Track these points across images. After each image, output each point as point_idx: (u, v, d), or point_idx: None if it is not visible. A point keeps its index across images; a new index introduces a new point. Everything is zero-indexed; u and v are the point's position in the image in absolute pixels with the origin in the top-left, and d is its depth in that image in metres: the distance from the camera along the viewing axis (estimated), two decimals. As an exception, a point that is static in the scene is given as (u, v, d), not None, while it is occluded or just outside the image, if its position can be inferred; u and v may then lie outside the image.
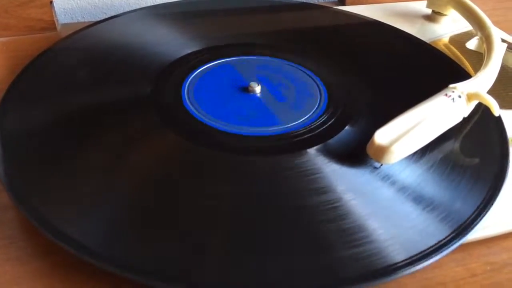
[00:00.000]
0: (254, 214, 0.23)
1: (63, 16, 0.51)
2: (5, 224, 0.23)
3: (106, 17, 0.40)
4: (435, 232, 0.23)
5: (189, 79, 0.31)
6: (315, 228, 0.22)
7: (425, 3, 0.44)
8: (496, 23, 0.43)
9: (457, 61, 0.37)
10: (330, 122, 0.28)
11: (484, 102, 0.26)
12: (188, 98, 0.29)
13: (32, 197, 0.23)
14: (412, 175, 0.25)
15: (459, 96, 0.26)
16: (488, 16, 0.44)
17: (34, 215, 0.22)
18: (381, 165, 0.24)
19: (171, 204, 0.23)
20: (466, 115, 0.27)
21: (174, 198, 0.23)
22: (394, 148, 0.23)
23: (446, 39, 0.40)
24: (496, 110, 0.26)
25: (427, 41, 0.39)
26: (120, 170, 0.25)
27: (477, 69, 0.31)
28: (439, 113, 0.25)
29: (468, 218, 0.24)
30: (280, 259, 0.21)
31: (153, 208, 0.23)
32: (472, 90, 0.26)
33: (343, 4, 0.46)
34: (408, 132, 0.24)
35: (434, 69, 0.35)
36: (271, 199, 0.24)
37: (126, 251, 0.21)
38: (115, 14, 0.40)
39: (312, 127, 0.28)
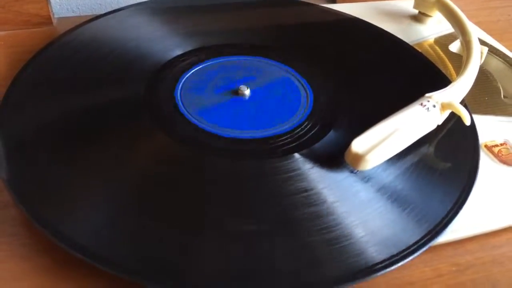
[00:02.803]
0: (242, 216, 0.25)
1: (58, 6, 0.51)
2: (8, 222, 0.25)
3: (101, 7, 0.40)
4: (411, 233, 0.25)
5: (183, 79, 0.33)
6: (299, 229, 0.24)
7: (413, 1, 0.45)
8: (479, 24, 0.45)
9: (440, 62, 0.39)
10: (316, 126, 0.30)
11: (456, 112, 0.28)
12: (181, 99, 0.31)
13: (32, 196, 0.24)
14: (391, 179, 0.27)
15: (434, 106, 0.28)
16: (473, 16, 0.45)
17: (34, 214, 0.23)
18: (358, 171, 0.26)
19: (164, 205, 0.25)
20: (440, 123, 0.29)
21: (166, 199, 0.25)
22: (369, 157, 0.25)
23: (431, 40, 0.42)
24: (467, 120, 0.27)
25: (414, 42, 0.41)
26: (115, 171, 0.26)
27: (458, 71, 0.33)
28: (413, 123, 0.27)
29: (441, 221, 0.25)
30: (264, 258, 0.23)
31: (147, 208, 0.25)
32: (446, 100, 0.28)
33: (334, 1, 0.48)
34: (383, 141, 0.25)
35: (416, 73, 0.36)
36: (258, 201, 0.25)
37: (122, 251, 0.22)
38: (109, 4, 0.41)
39: (298, 131, 0.29)
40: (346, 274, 0.23)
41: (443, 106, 0.28)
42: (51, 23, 0.41)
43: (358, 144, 0.25)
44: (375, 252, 0.24)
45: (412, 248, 0.24)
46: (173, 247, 0.23)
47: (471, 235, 0.26)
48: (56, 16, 0.42)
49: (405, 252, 0.24)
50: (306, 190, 0.26)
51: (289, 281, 0.22)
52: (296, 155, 0.27)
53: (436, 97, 0.28)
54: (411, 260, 0.24)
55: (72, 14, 0.53)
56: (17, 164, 0.26)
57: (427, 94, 0.28)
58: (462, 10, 0.45)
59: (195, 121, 0.29)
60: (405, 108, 0.27)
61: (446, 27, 0.42)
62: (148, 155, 0.27)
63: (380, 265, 0.23)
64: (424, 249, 0.24)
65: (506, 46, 0.41)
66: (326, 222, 0.24)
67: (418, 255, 0.24)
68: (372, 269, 0.23)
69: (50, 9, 0.41)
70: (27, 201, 0.24)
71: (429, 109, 0.27)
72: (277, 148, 0.28)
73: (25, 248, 0.24)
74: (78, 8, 0.52)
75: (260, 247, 0.23)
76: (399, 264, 0.23)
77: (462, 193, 0.27)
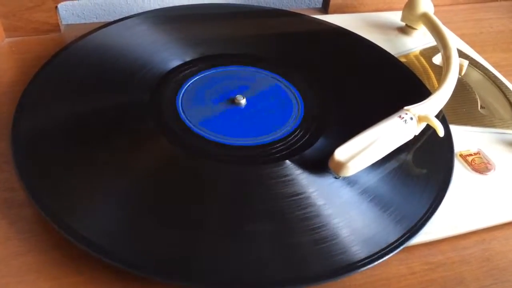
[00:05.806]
0: (237, 216, 0.27)
1: (64, 12, 0.54)
2: (25, 220, 0.27)
3: (104, 13, 0.42)
4: (390, 233, 0.27)
5: (183, 89, 0.35)
6: (289, 229, 0.27)
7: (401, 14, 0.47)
8: (463, 36, 0.47)
9: (424, 73, 0.41)
10: (306, 134, 0.33)
11: (431, 125, 0.30)
12: (182, 107, 0.33)
13: (46, 195, 0.27)
14: (373, 183, 0.30)
15: (411, 118, 0.30)
16: (458, 28, 0.48)
17: (48, 213, 0.26)
18: (340, 176, 0.29)
19: (166, 206, 0.27)
20: (417, 133, 0.31)
21: (167, 200, 0.28)
22: (350, 165, 0.28)
23: (417, 52, 0.44)
24: (441, 132, 0.30)
25: (400, 54, 0.43)
26: (123, 172, 0.29)
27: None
28: (392, 133, 0.29)
29: (417, 223, 0.28)
30: (258, 254, 0.26)
31: (150, 209, 0.27)
32: (422, 113, 0.30)
33: (326, 12, 0.50)
34: (363, 151, 0.28)
35: (399, 85, 0.39)
36: (252, 204, 0.28)
37: (127, 247, 0.25)
38: (112, 10, 0.43)
39: (290, 139, 0.32)
40: (331, 270, 0.25)
41: (420, 119, 0.30)
42: (59, 30, 0.44)
43: (340, 153, 0.28)
44: (357, 251, 0.26)
45: (390, 247, 0.27)
46: (173, 245, 0.25)
47: (443, 237, 0.29)
48: (62, 20, 0.44)
49: (384, 251, 0.26)
50: (296, 194, 0.28)
51: (278, 276, 0.25)
52: (288, 161, 0.30)
53: (414, 110, 0.31)
54: (389, 258, 0.26)
55: (77, 18, 0.55)
56: (32, 164, 0.29)
57: (405, 107, 0.31)
58: (449, 22, 0.47)
59: (194, 128, 0.32)
60: (385, 120, 0.30)
61: (431, 40, 0.45)
62: (150, 160, 0.30)
63: (361, 263, 0.26)
64: (401, 248, 0.27)
65: (486, 58, 0.44)
66: (314, 223, 0.27)
67: (394, 254, 0.26)
68: (354, 266, 0.25)
69: (58, 17, 0.43)
70: (42, 200, 0.27)
71: (406, 121, 0.30)
72: (270, 155, 0.31)
73: (40, 243, 0.26)
74: (83, 13, 0.55)
75: (253, 246, 0.26)
76: (378, 262, 0.26)
77: (436, 198, 0.30)
